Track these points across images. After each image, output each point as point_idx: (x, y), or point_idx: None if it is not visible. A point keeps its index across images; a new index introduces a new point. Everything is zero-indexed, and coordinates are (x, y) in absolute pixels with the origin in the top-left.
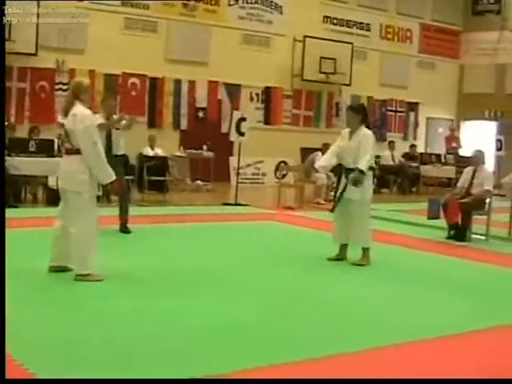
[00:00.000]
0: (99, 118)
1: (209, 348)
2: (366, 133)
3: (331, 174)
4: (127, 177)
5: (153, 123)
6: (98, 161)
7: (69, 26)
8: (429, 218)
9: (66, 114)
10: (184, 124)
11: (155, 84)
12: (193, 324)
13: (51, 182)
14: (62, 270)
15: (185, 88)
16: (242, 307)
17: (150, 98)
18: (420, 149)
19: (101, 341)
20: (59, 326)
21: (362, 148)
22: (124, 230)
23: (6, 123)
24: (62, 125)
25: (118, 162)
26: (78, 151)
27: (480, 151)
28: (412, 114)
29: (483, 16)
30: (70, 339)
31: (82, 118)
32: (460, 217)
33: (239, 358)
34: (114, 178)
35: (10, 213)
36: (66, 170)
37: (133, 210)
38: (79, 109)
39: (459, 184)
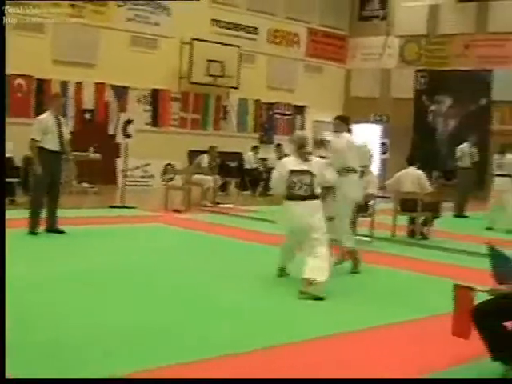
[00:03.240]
0: (48, 116)
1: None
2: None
3: (218, 177)
4: (14, 179)
5: None
6: None
7: None
8: None
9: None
10: (71, 126)
11: (42, 85)
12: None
13: None
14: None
15: (72, 89)
16: (122, 310)
17: (36, 99)
18: None
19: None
20: None
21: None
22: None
23: None
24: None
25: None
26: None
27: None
28: (299, 117)
29: (369, 21)
30: None
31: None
32: None
33: (143, 358)
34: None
35: None
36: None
37: (17, 213)
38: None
39: None
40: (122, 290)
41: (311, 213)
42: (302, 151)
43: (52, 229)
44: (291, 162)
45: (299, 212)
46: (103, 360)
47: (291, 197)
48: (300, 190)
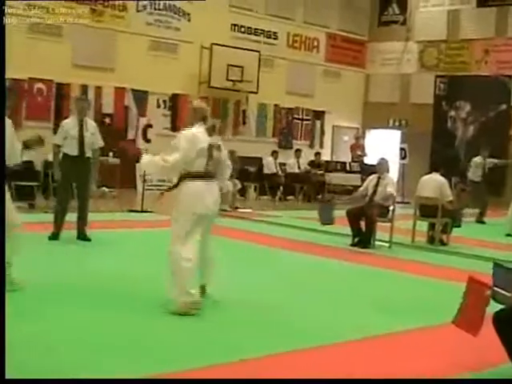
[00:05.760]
0: (71, 120)
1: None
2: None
3: (237, 181)
4: (33, 183)
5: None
6: None
7: None
8: (322, 224)
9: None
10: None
11: (62, 89)
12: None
13: None
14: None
15: (91, 94)
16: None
17: (56, 103)
18: (326, 157)
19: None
20: None
21: None
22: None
23: None
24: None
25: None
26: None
27: (384, 159)
28: (318, 122)
29: (389, 27)
30: None
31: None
32: (364, 224)
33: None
34: None
35: None
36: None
37: (38, 217)
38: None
39: (361, 188)
40: (127, 296)
41: (217, 194)
42: (207, 123)
43: (79, 236)
44: (201, 136)
45: (210, 192)
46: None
47: (203, 175)
48: (211, 167)
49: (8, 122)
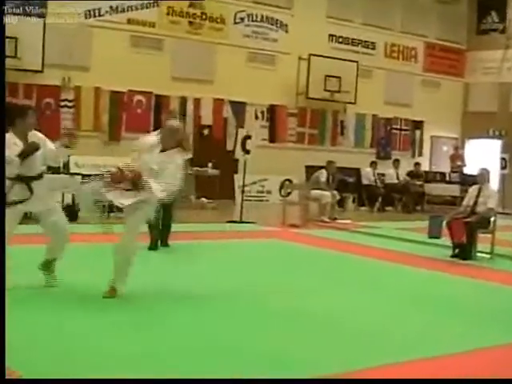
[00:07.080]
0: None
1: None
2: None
3: (336, 193)
4: None
5: None
6: None
7: (74, 43)
8: (430, 237)
9: None
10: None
11: (161, 101)
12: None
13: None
14: None
15: (190, 106)
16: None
17: (155, 115)
18: (425, 167)
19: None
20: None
21: None
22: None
23: None
24: None
25: None
26: None
27: (485, 169)
28: (417, 133)
29: (488, 35)
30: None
31: None
32: (465, 235)
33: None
34: None
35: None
36: None
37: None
38: None
39: (464, 202)
40: (227, 306)
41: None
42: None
43: (161, 243)
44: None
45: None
46: None
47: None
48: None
49: (38, 135)
